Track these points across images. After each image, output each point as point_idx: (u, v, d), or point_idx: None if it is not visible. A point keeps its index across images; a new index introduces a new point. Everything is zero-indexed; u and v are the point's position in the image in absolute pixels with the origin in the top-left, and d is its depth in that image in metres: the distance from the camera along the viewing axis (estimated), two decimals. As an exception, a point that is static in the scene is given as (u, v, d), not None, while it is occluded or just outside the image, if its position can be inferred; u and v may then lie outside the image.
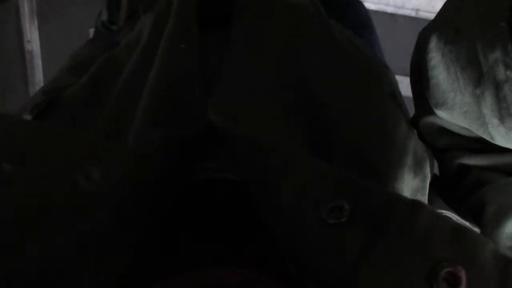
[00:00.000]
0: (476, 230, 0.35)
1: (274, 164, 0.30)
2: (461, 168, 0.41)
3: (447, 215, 0.35)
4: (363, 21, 0.69)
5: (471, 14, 0.35)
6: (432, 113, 0.40)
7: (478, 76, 0.34)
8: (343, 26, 0.49)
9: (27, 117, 0.38)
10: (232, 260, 0.30)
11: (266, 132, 0.33)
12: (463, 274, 0.23)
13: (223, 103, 0.36)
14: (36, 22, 1.54)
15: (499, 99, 0.33)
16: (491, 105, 0.34)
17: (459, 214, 0.36)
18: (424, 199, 0.36)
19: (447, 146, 0.42)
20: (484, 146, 0.39)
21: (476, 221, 0.36)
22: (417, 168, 0.35)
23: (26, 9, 1.49)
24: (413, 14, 1.75)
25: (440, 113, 0.39)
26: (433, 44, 0.37)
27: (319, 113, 0.38)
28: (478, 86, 0.34)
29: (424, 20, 1.75)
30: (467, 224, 0.35)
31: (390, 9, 1.77)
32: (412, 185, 0.35)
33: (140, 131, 0.36)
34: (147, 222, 0.31)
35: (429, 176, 0.37)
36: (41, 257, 0.26)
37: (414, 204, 0.26)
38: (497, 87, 0.33)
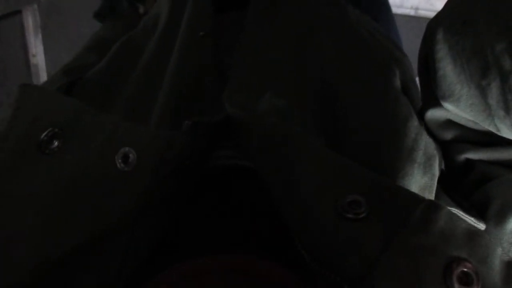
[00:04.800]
0: (482, 225, 0.35)
1: (290, 155, 0.31)
2: (467, 162, 0.41)
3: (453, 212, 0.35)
4: (379, 2, 0.68)
5: (478, 5, 0.35)
6: (439, 105, 0.40)
7: (484, 67, 0.34)
8: (360, 11, 0.49)
9: None
10: (245, 247, 0.31)
11: (282, 124, 0.34)
12: (475, 274, 0.24)
13: (238, 94, 0.37)
14: (40, 36, 1.55)
15: (505, 90, 0.34)
16: (497, 96, 0.34)
17: (463, 209, 0.36)
18: (431, 197, 0.36)
19: (454, 139, 0.42)
20: (491, 139, 0.39)
21: (480, 216, 0.36)
22: (427, 166, 0.36)
23: (30, 24, 1.51)
24: (412, 13, 1.75)
25: (447, 105, 0.39)
26: (440, 35, 0.37)
27: (332, 105, 0.38)
28: (484, 77, 0.35)
29: (424, 18, 1.75)
30: (472, 219, 0.35)
31: (389, 9, 1.77)
32: (421, 182, 0.35)
33: (162, 117, 0.37)
34: (169, 207, 0.33)
35: (437, 174, 0.37)
36: (79, 230, 0.27)
37: (432, 204, 0.27)
38: (503, 78, 0.33)
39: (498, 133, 0.36)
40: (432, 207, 0.26)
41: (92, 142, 0.30)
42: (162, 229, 0.32)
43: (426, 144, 0.37)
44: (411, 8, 1.75)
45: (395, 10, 1.82)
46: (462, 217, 0.35)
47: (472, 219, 0.35)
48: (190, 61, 0.40)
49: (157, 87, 0.40)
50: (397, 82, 0.42)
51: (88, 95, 0.41)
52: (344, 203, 0.27)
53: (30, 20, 1.50)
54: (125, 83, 0.42)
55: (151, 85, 0.40)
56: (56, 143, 0.29)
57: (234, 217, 0.33)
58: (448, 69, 0.38)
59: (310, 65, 0.41)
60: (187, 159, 0.32)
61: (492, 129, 0.37)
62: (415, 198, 0.27)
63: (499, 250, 0.26)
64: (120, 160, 0.29)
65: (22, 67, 1.55)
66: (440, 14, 0.40)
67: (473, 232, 0.26)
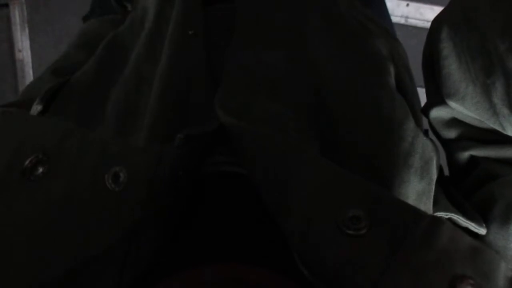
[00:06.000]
0: (482, 230, 0.35)
1: (286, 167, 0.30)
2: (471, 159, 0.41)
3: (452, 217, 0.35)
4: None
5: (482, 4, 0.35)
6: (443, 103, 0.39)
7: (489, 66, 0.34)
8: None
9: (38, 106, 0.38)
10: (243, 255, 0.30)
11: (277, 133, 0.33)
12: None
13: (230, 100, 0.35)
14: (27, 31, 1.53)
15: (509, 88, 0.33)
16: (502, 95, 0.34)
17: (464, 212, 0.35)
18: (429, 202, 0.36)
19: (458, 137, 0.41)
20: (496, 137, 0.38)
21: (484, 215, 0.36)
22: (424, 170, 0.35)
23: (17, 18, 1.48)
24: (402, 21, 1.78)
25: (452, 103, 0.38)
26: (445, 34, 0.37)
27: (326, 108, 0.37)
28: (489, 76, 0.35)
29: (414, 27, 1.78)
30: (473, 224, 0.35)
31: (379, 17, 1.78)
32: (418, 188, 0.34)
33: (153, 126, 0.35)
34: (167, 218, 0.31)
35: (435, 178, 0.36)
36: (70, 255, 0.26)
37: (435, 220, 0.26)
38: (507, 77, 0.33)
39: (503, 132, 0.36)
40: (434, 223, 0.26)
41: (80, 164, 0.29)
42: (160, 239, 0.31)
43: (423, 147, 0.36)
44: (402, 16, 1.77)
45: (385, 18, 1.84)
46: (463, 223, 0.35)
47: (473, 224, 0.35)
48: (180, 63, 0.38)
49: (146, 92, 0.38)
50: (392, 81, 0.41)
51: (75, 101, 0.40)
52: (345, 218, 0.26)
53: (17, 14, 1.47)
54: (114, 86, 0.40)
55: (141, 90, 0.39)
56: (40, 169, 0.28)
57: (232, 224, 0.32)
58: (453, 68, 0.37)
59: (302, 65, 0.40)
60: (180, 171, 0.31)
61: (497, 127, 0.36)
62: (417, 213, 0.26)
63: (503, 266, 0.26)
64: (110, 181, 0.28)
65: (8, 62, 1.52)
66: (444, 11, 0.39)
67: (477, 248, 0.26)
